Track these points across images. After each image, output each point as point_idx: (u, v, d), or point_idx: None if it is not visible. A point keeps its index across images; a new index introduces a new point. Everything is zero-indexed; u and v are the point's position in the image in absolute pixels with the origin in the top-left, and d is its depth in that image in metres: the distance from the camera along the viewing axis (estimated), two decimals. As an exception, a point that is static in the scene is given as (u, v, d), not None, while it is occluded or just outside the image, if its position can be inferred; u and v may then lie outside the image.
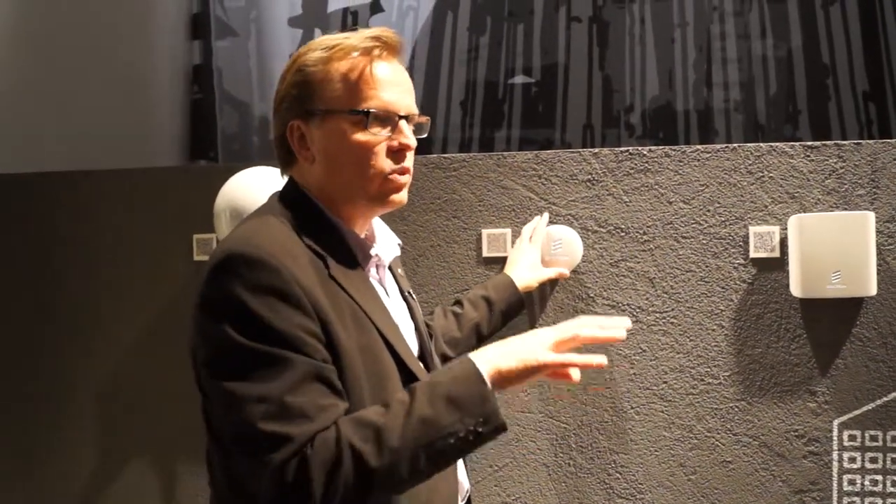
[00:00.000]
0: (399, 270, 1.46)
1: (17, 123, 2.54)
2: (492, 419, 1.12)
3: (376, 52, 1.27)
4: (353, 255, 1.28)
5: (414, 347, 1.35)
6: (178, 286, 2.33)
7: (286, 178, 1.35)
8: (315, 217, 1.27)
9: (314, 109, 1.25)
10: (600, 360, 1.23)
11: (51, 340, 2.39)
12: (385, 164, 1.26)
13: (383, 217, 1.44)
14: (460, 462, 1.35)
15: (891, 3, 3.07)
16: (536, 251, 2.03)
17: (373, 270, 1.33)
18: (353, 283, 1.23)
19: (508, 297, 1.95)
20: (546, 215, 1.61)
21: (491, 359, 1.17)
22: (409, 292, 1.43)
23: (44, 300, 2.39)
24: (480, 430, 1.12)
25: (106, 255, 2.36)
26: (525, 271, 2.00)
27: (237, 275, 1.13)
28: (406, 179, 1.30)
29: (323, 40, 1.30)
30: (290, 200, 1.29)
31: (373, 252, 1.30)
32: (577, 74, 3.16)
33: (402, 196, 1.31)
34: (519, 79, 3.23)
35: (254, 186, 2.00)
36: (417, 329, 1.40)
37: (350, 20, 3.34)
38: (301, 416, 1.08)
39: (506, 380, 1.17)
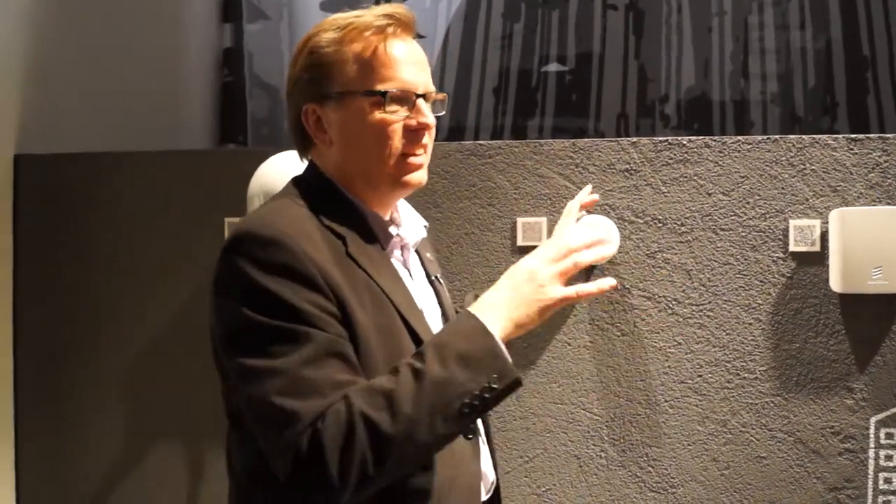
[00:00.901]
0: (428, 255, 1.43)
1: (46, 104, 2.53)
2: (506, 374, 1.10)
3: (390, 29, 1.24)
4: (373, 236, 1.26)
5: (436, 329, 1.31)
6: (209, 270, 2.32)
7: (306, 162, 1.34)
8: (334, 198, 1.26)
9: (329, 92, 1.23)
10: (610, 282, 1.23)
11: (82, 326, 2.40)
12: (402, 143, 1.24)
13: (415, 204, 1.42)
14: (486, 453, 1.32)
15: (935, -5, 3.01)
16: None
17: (397, 252, 1.31)
18: (372, 262, 1.21)
19: None
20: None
21: (499, 311, 1.15)
22: (436, 277, 1.41)
23: (72, 285, 2.40)
24: (495, 385, 1.09)
25: (135, 238, 2.36)
26: None
27: (249, 254, 1.12)
28: (423, 160, 1.27)
29: (334, 20, 1.27)
30: (310, 183, 1.28)
31: (394, 232, 1.28)
32: (612, 63, 3.12)
33: (420, 176, 1.27)
34: (553, 66, 3.19)
35: (287, 170, 1.99)
36: (444, 315, 1.38)
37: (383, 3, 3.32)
38: (315, 392, 1.07)
39: (522, 326, 1.16)
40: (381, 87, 1.22)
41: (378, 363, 1.15)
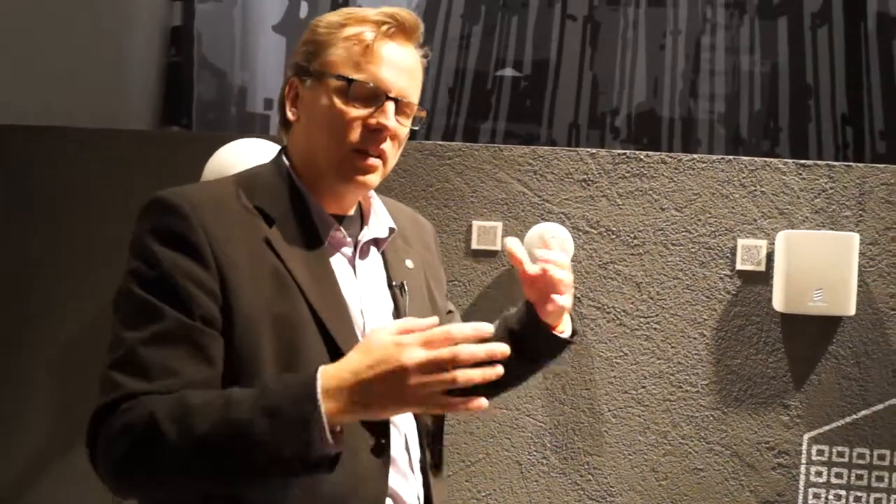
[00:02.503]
0: (408, 262, 1.34)
1: None
2: (310, 451, 0.96)
3: (385, 28, 1.21)
4: (311, 227, 1.21)
5: None
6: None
7: (281, 145, 1.31)
8: (282, 182, 1.23)
9: (310, 69, 1.22)
10: (482, 402, 0.99)
11: (9, 313, 2.28)
12: (355, 137, 1.19)
13: None
14: (404, 474, 1.20)
15: (875, 31, 3.14)
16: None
17: (346, 249, 1.26)
18: (295, 251, 1.17)
19: (518, 313, 1.45)
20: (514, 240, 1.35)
21: (340, 375, 1.00)
22: (401, 284, 1.30)
23: (9, 257, 2.28)
24: (297, 457, 0.97)
25: (66, 219, 2.26)
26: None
27: (149, 218, 1.14)
28: (375, 162, 1.21)
29: (344, 9, 1.28)
30: (269, 166, 1.27)
31: (334, 228, 1.22)
32: (567, 72, 3.15)
33: (368, 179, 1.21)
34: (508, 71, 3.20)
35: (246, 157, 1.94)
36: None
37: (339, -4, 3.27)
38: (142, 372, 1.05)
39: (355, 403, 0.98)
40: (351, 76, 1.19)
41: (263, 352, 1.11)
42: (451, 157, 2.18)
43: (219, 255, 1.11)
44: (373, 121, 1.20)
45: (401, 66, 1.22)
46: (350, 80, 1.19)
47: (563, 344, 1.35)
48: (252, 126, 3.28)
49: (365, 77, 1.20)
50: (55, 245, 2.28)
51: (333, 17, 1.25)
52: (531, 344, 1.35)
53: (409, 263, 1.35)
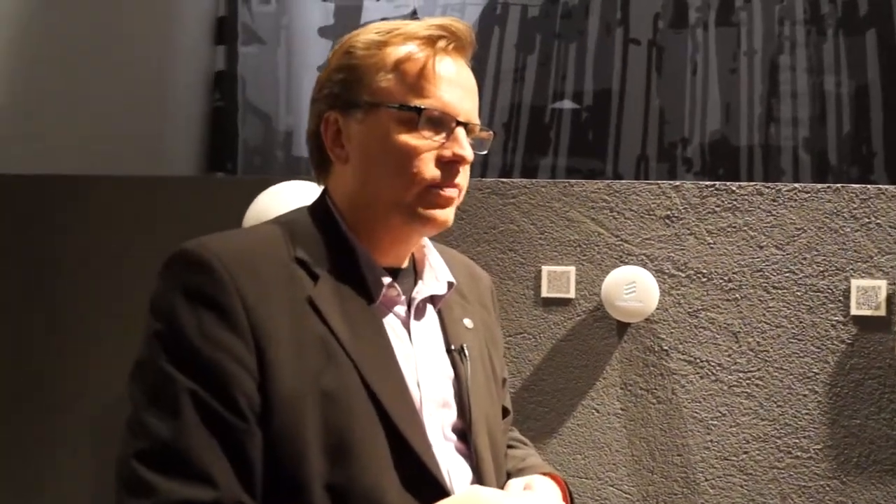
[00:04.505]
0: (466, 321, 1.16)
1: (28, 123, 2.33)
2: None
3: (442, 43, 1.05)
4: (361, 283, 1.04)
5: (439, 414, 1.05)
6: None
7: (319, 189, 1.13)
8: (327, 231, 1.06)
9: (357, 100, 1.05)
10: None
11: (52, 349, 2.13)
12: (431, 173, 1.04)
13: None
14: None
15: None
16: None
17: (398, 308, 1.07)
18: (343, 312, 1.00)
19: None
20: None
21: None
22: (459, 348, 1.12)
23: (45, 305, 2.14)
24: None
25: (107, 267, 2.12)
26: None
27: (174, 275, 0.98)
28: (453, 194, 1.06)
29: (380, 24, 1.09)
30: (309, 211, 1.09)
31: (386, 282, 1.04)
32: (631, 101, 2.93)
33: (445, 214, 1.05)
34: (567, 104, 2.99)
35: (291, 201, 1.75)
36: (460, 397, 1.09)
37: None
38: (174, 473, 0.90)
39: None
40: (417, 103, 1.02)
41: (307, 435, 0.94)
42: (515, 196, 1.95)
43: (255, 320, 0.94)
44: (447, 152, 1.03)
45: (464, 86, 1.06)
46: (417, 110, 1.02)
47: None
48: (299, 171, 3.12)
49: (431, 102, 1.03)
50: (93, 299, 2.13)
51: (370, 35, 1.06)
52: None
53: (467, 323, 1.16)
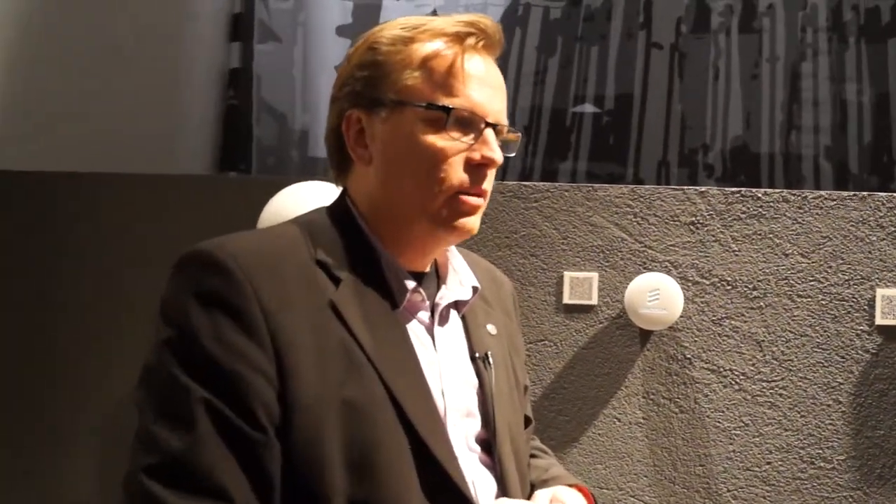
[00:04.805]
0: (489, 327, 1.13)
1: (41, 120, 2.32)
2: None
3: (471, 40, 1.00)
4: (385, 287, 1.00)
5: (463, 424, 1.03)
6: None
7: (339, 190, 1.10)
8: (347, 231, 1.02)
9: (383, 98, 1.00)
10: None
11: (60, 349, 2.12)
12: (459, 178, 1.00)
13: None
14: None
15: None
16: None
17: (422, 314, 1.04)
18: (366, 317, 0.96)
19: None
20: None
21: None
22: (484, 356, 1.09)
23: (53, 304, 2.14)
24: None
25: (117, 266, 2.12)
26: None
27: (188, 277, 0.93)
28: (479, 202, 1.02)
29: (405, 19, 1.05)
30: (331, 210, 1.05)
31: (410, 286, 1.01)
32: (653, 106, 2.90)
33: (472, 222, 1.02)
34: (588, 107, 2.97)
35: (308, 202, 1.73)
36: (485, 406, 1.07)
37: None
38: (187, 489, 0.86)
39: None
40: (445, 103, 0.99)
41: (329, 447, 0.90)
42: (538, 200, 1.94)
43: (274, 326, 0.90)
44: (476, 154, 1.00)
45: (494, 85, 1.02)
46: (446, 110, 0.98)
47: None
48: (314, 172, 3.09)
49: (460, 102, 0.99)
50: (104, 298, 2.12)
51: (396, 31, 1.02)
52: None
53: (491, 329, 1.12)
